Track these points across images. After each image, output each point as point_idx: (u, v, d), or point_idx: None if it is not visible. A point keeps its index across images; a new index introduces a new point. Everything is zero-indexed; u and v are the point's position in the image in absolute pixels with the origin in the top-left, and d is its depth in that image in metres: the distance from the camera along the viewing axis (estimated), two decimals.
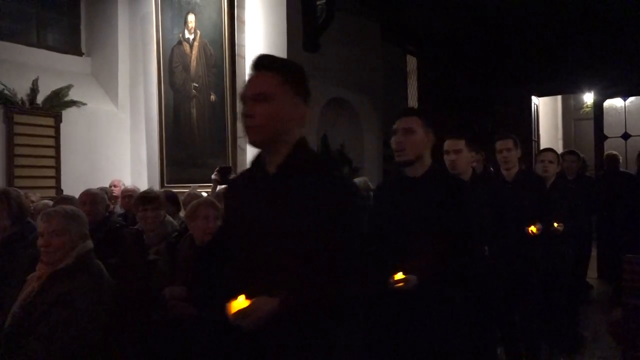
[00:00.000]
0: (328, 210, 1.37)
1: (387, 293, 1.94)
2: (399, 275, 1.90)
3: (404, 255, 1.98)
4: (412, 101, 7.78)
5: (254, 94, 1.43)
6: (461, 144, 2.95)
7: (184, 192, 4.49)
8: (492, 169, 4.21)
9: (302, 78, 1.49)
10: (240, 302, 1.33)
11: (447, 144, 2.96)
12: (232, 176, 4.65)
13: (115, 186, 5.38)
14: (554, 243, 3.48)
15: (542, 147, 7.95)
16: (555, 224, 3.41)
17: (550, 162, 3.78)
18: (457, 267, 2.05)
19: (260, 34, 5.24)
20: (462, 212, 2.07)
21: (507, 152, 3.47)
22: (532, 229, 3.25)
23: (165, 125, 5.88)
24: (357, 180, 4.18)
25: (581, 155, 5.31)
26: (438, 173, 2.20)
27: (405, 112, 2.29)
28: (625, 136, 7.13)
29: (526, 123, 7.38)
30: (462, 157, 2.94)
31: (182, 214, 4.00)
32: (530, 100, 7.47)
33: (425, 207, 2.06)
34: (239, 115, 5.29)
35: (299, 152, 1.47)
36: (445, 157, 2.97)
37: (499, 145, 3.53)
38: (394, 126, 2.18)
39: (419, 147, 2.12)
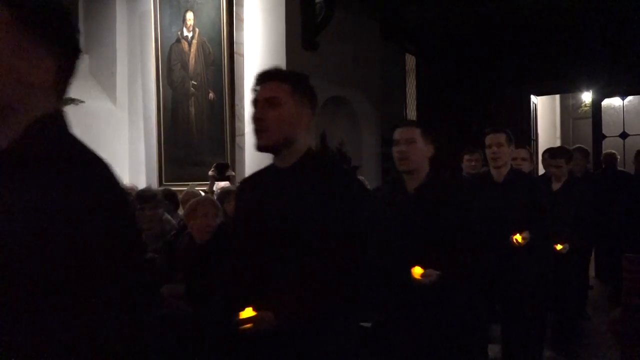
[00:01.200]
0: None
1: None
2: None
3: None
4: (411, 100, 7.77)
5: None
6: (415, 132, 2.30)
7: (182, 190, 4.47)
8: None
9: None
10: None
11: (397, 133, 2.33)
12: (229, 173, 4.65)
13: None
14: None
15: (541, 146, 7.96)
16: (519, 237, 2.88)
17: (524, 159, 3.52)
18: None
19: (259, 32, 5.23)
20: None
21: (498, 147, 3.04)
22: (517, 237, 2.85)
23: (163, 123, 5.87)
24: None
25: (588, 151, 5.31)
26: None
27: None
28: (624, 135, 7.14)
29: (525, 122, 7.38)
30: (415, 148, 2.27)
31: (180, 212, 3.99)
32: (529, 99, 7.48)
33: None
34: (237, 114, 5.29)
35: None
36: (394, 148, 2.35)
37: (488, 139, 3.12)
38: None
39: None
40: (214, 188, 4.41)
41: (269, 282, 1.45)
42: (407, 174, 2.28)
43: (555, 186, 3.99)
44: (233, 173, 4.78)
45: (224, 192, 3.80)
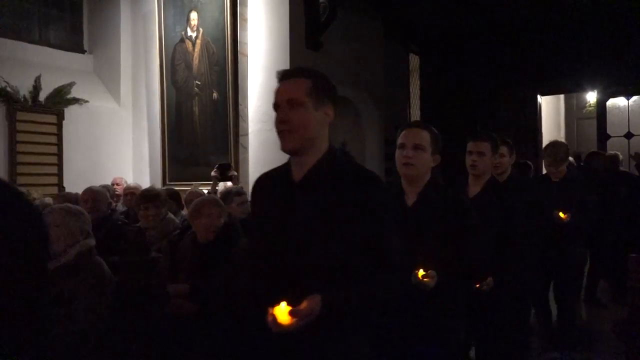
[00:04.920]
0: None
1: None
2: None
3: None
4: (414, 100, 7.76)
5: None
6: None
7: (186, 189, 4.48)
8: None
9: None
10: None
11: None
12: (231, 173, 4.64)
13: (117, 184, 5.38)
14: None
15: (544, 146, 7.93)
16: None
17: (502, 155, 3.20)
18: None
19: (262, 31, 5.23)
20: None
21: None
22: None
23: (167, 123, 5.87)
24: None
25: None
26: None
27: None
28: (629, 135, 7.12)
29: (531, 122, 7.35)
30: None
31: (184, 211, 3.99)
32: (536, 99, 7.45)
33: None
34: (241, 113, 5.29)
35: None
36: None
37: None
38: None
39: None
40: (217, 188, 4.42)
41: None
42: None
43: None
44: (235, 173, 4.78)
45: (225, 192, 3.80)
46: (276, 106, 1.50)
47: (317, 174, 1.47)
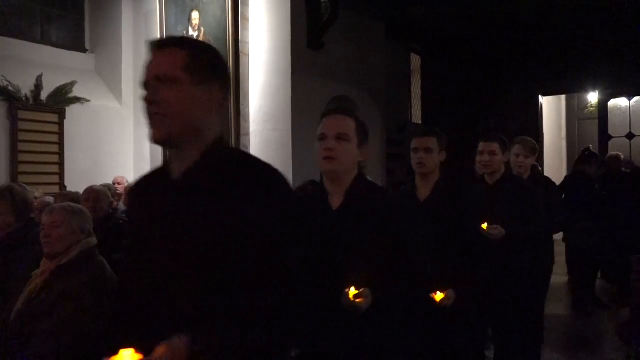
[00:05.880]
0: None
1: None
2: (353, 291, 1.61)
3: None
4: (416, 100, 7.76)
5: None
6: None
7: None
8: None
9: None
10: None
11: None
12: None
13: (118, 183, 5.38)
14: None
15: (546, 147, 7.93)
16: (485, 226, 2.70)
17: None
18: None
19: (264, 31, 5.23)
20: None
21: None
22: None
23: None
24: None
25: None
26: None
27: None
28: (630, 136, 7.11)
29: (532, 122, 7.34)
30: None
31: None
32: (537, 100, 7.44)
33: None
34: (242, 113, 5.29)
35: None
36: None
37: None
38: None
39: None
40: None
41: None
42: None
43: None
44: None
45: None
46: (145, 84, 1.19)
47: (200, 172, 1.16)
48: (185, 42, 1.21)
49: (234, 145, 5.26)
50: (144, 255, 1.18)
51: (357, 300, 1.59)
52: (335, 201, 1.80)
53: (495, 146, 3.03)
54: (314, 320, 1.64)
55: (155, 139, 1.18)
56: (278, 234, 1.14)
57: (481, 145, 3.08)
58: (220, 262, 1.09)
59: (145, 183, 1.31)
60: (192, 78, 1.15)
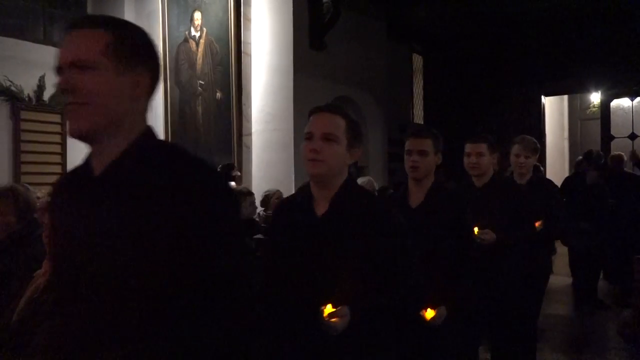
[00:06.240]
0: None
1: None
2: (329, 308, 1.49)
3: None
4: (418, 100, 7.76)
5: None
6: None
7: None
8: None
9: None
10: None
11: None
12: (234, 174, 4.65)
13: None
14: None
15: (548, 147, 7.92)
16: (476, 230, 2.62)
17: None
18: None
19: (266, 31, 5.23)
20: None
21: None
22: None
23: (170, 123, 5.88)
24: (361, 179, 4.17)
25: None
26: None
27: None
28: (632, 136, 7.09)
29: (535, 123, 7.32)
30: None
31: None
32: (539, 100, 7.42)
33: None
34: (244, 113, 5.30)
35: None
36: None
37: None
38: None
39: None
40: None
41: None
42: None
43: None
44: (239, 173, 4.79)
45: (236, 193, 3.87)
46: (58, 70, 1.06)
47: (123, 167, 1.03)
48: (106, 22, 1.04)
49: (235, 146, 5.28)
50: (65, 260, 1.06)
51: (332, 320, 1.46)
52: (321, 207, 1.65)
53: (483, 147, 2.83)
54: (290, 339, 1.57)
55: (74, 133, 1.02)
56: (214, 235, 1.00)
57: (468, 147, 2.88)
58: (141, 268, 0.96)
59: (66, 182, 1.17)
60: (115, 63, 1.01)
